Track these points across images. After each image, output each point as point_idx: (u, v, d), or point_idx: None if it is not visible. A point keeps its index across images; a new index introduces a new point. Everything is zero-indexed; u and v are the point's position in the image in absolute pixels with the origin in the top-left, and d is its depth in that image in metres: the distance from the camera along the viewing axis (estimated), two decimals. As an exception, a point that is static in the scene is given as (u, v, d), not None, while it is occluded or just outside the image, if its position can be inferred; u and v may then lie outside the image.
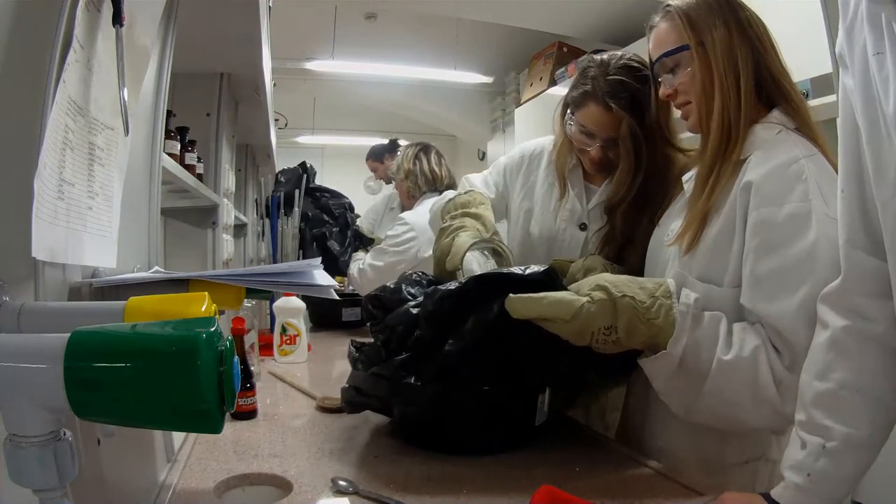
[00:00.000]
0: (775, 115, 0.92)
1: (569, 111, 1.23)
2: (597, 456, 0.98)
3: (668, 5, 0.98)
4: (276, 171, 2.50)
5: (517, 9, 3.58)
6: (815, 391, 0.73)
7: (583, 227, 1.28)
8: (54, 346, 0.40)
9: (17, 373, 0.40)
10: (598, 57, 1.19)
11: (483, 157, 5.81)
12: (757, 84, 0.92)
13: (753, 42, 0.92)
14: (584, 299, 0.84)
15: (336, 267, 2.26)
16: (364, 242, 2.40)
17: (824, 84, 2.15)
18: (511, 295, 0.86)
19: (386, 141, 3.67)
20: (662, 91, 1.00)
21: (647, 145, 1.14)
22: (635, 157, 1.15)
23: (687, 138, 1.13)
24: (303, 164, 2.40)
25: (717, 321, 0.86)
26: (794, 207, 0.83)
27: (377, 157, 3.71)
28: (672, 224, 0.99)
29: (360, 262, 2.24)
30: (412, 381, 0.90)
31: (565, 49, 4.17)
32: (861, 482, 0.81)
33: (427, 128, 6.11)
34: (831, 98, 2.13)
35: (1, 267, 0.49)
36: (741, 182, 0.88)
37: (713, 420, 0.89)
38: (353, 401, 1.01)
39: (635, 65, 1.16)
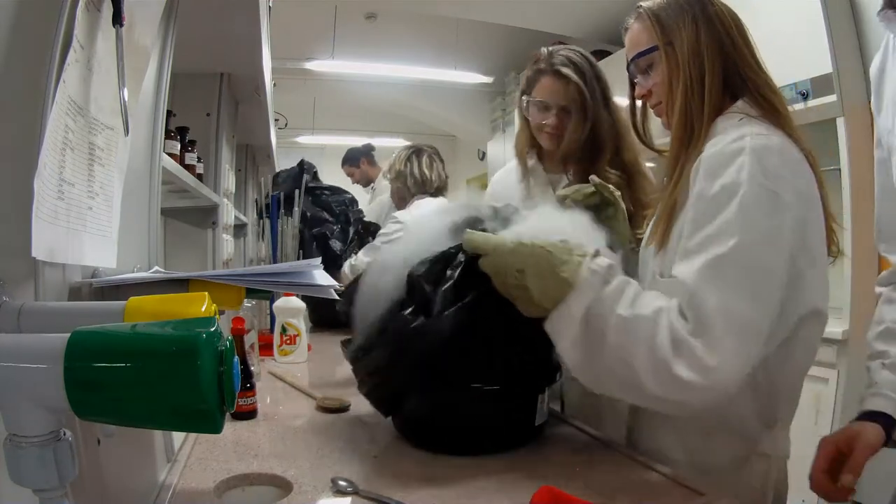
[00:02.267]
0: (738, 105, 0.92)
1: (524, 96, 1.40)
2: (597, 456, 0.98)
3: (640, 6, 0.98)
4: (276, 171, 2.50)
5: (517, 9, 3.59)
6: (874, 333, 0.96)
7: None
8: (54, 346, 0.40)
9: (17, 373, 0.40)
10: (544, 49, 1.40)
11: (483, 157, 5.81)
12: (725, 79, 0.92)
13: (721, 37, 0.92)
14: (509, 239, 0.87)
15: (337, 266, 2.26)
16: (369, 232, 2.39)
17: (824, 84, 2.15)
18: (468, 230, 0.91)
19: (383, 144, 3.69)
20: (637, 91, 1.01)
21: (592, 106, 1.34)
22: (583, 112, 1.34)
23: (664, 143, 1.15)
24: (301, 163, 2.39)
25: (625, 283, 0.84)
26: (726, 180, 0.82)
27: (352, 161, 3.71)
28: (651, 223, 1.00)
29: (353, 258, 2.26)
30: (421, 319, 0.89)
31: (565, 49, 4.16)
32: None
33: (427, 128, 6.12)
34: (831, 98, 2.13)
35: (1, 267, 0.49)
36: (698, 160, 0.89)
37: (615, 385, 0.85)
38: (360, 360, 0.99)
39: (578, 49, 1.40)
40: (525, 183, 1.46)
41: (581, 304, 0.82)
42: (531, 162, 1.46)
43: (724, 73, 0.92)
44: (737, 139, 0.84)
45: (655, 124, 1.12)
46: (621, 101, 1.21)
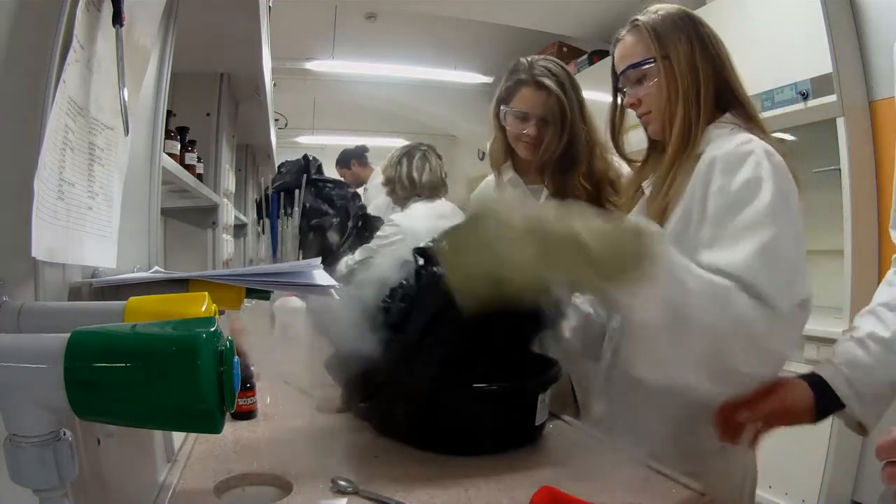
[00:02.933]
0: (728, 116, 0.99)
1: (502, 106, 1.41)
2: (597, 456, 0.98)
3: (636, 20, 1.03)
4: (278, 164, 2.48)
5: (517, 9, 3.58)
6: (862, 311, 0.96)
7: None
8: (54, 346, 0.40)
9: (17, 373, 0.40)
10: (522, 59, 1.42)
11: (483, 157, 5.81)
12: (716, 93, 0.99)
13: (713, 57, 0.99)
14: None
15: (335, 258, 2.24)
16: (367, 227, 2.38)
17: (824, 84, 2.15)
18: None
19: (377, 145, 3.68)
20: (626, 100, 1.06)
21: (570, 118, 1.36)
22: (561, 123, 1.36)
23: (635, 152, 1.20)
24: (305, 157, 2.37)
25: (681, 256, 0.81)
26: (747, 175, 0.87)
27: (344, 163, 3.68)
28: None
29: (348, 258, 2.24)
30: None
31: (565, 49, 4.17)
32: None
33: (427, 128, 6.11)
34: (831, 98, 2.13)
35: (1, 267, 0.49)
36: (703, 162, 0.93)
37: (696, 366, 0.79)
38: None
39: (555, 60, 1.42)
40: (498, 192, 1.48)
41: (665, 268, 0.76)
42: (510, 174, 1.48)
43: (715, 87, 0.99)
44: (744, 143, 0.91)
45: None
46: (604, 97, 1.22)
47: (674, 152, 0.98)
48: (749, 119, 0.98)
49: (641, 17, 1.03)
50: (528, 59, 1.42)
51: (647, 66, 1.01)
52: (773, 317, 0.79)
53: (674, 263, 0.77)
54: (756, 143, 0.90)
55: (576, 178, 1.38)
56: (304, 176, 2.26)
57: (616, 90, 1.09)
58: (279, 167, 2.34)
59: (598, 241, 0.73)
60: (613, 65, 1.08)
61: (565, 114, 1.36)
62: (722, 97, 0.99)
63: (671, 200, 0.95)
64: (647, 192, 1.05)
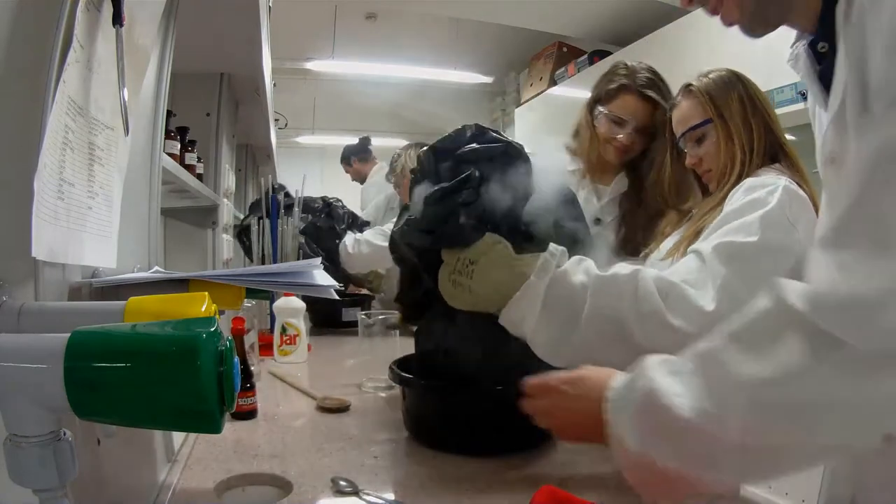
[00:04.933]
0: (776, 166, 1.05)
1: (599, 106, 1.40)
2: (597, 456, 0.98)
3: (690, 85, 1.12)
4: (276, 173, 2.47)
5: (517, 9, 3.58)
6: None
7: (597, 221, 1.42)
8: (54, 346, 0.40)
9: (17, 373, 0.40)
10: (628, 63, 1.42)
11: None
12: (766, 148, 1.06)
13: (763, 113, 1.07)
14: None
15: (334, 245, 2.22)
16: (358, 225, 2.36)
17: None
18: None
19: (385, 141, 3.66)
20: (688, 161, 1.13)
21: (659, 131, 1.33)
22: (652, 136, 1.36)
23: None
24: (270, 190, 2.40)
25: (582, 260, 0.88)
26: (756, 196, 0.94)
27: (345, 160, 3.68)
28: (668, 242, 1.12)
29: (357, 236, 2.21)
30: None
31: (565, 49, 4.17)
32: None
33: (427, 128, 6.09)
34: (831, 98, 2.13)
35: (1, 267, 0.49)
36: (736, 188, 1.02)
37: (601, 349, 0.82)
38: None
39: (653, 69, 1.40)
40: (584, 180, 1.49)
41: (543, 278, 0.86)
42: (576, 167, 1.48)
43: (767, 142, 1.06)
44: (776, 178, 0.98)
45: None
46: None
47: (725, 194, 1.04)
48: (797, 172, 1.03)
49: (694, 83, 1.11)
50: (629, 64, 1.41)
51: (704, 127, 1.08)
52: (687, 291, 0.84)
53: (563, 272, 0.86)
54: (784, 181, 0.96)
55: (648, 187, 1.36)
56: (303, 177, 2.26)
57: (674, 150, 1.19)
58: (250, 206, 2.34)
59: (480, 267, 0.88)
60: (671, 127, 1.16)
61: (657, 128, 1.35)
62: (770, 152, 1.07)
63: (704, 226, 1.02)
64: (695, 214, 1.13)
